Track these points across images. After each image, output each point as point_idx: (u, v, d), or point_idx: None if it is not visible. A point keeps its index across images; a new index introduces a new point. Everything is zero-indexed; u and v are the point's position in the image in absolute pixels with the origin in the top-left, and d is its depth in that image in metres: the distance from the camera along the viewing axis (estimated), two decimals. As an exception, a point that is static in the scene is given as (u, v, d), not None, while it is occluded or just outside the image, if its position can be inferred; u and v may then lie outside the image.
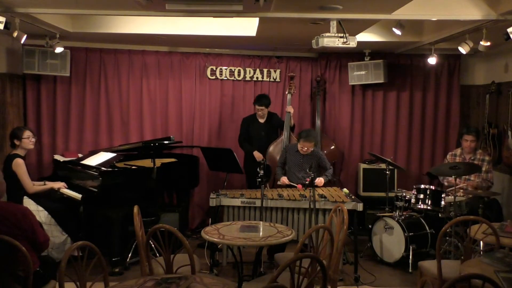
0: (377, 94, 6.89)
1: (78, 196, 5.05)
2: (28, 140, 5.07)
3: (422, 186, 5.43)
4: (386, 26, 5.39)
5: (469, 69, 6.97)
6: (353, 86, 6.84)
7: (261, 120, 6.14)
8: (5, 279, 3.09)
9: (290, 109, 6.06)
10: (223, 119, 6.85)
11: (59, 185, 5.27)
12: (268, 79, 6.85)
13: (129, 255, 5.20)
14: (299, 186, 5.12)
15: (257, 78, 6.83)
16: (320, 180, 5.18)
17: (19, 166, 4.93)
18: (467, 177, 5.52)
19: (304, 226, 4.90)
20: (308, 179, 4.55)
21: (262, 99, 6.07)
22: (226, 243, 3.87)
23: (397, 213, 5.40)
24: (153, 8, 4.02)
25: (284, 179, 5.31)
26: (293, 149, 5.41)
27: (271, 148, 6.04)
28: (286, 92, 6.25)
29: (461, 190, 5.35)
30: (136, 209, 3.73)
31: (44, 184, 5.25)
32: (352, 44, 4.27)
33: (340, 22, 4.34)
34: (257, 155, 5.93)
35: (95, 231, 5.37)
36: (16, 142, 5.03)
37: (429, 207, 5.29)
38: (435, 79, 6.87)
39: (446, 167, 5.02)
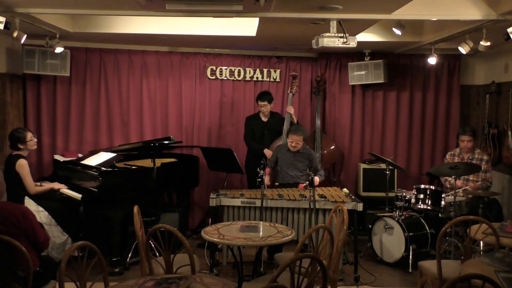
0: (377, 94, 6.89)
1: (78, 196, 5.05)
2: (32, 142, 5.07)
3: (422, 186, 5.42)
4: (386, 26, 5.39)
5: (469, 69, 6.97)
6: (353, 86, 6.84)
7: (264, 119, 6.14)
8: (5, 279, 3.09)
9: (290, 109, 6.06)
10: (223, 119, 6.85)
11: (60, 186, 5.28)
12: (268, 79, 6.85)
13: (129, 255, 5.21)
14: (301, 185, 5.12)
15: (257, 78, 6.83)
16: (316, 179, 5.17)
17: (23, 166, 4.93)
18: (466, 177, 5.52)
19: (304, 226, 4.89)
20: (307, 182, 4.52)
21: (264, 95, 6.07)
22: (226, 243, 3.87)
23: (397, 213, 5.40)
24: (153, 8, 4.01)
25: (266, 180, 5.22)
26: (284, 148, 5.43)
27: (271, 148, 6.03)
28: (288, 91, 6.25)
29: (461, 190, 5.35)
30: (136, 209, 3.74)
31: (44, 185, 5.25)
32: (352, 44, 4.27)
33: (340, 22, 4.34)
34: (268, 153, 5.89)
35: (95, 231, 5.37)
36: (21, 146, 4.98)
37: (429, 207, 5.28)
38: (435, 79, 6.86)
39: (446, 167, 5.02)
